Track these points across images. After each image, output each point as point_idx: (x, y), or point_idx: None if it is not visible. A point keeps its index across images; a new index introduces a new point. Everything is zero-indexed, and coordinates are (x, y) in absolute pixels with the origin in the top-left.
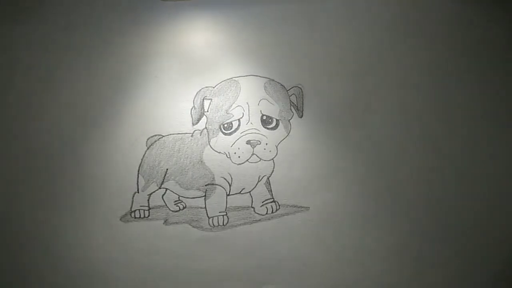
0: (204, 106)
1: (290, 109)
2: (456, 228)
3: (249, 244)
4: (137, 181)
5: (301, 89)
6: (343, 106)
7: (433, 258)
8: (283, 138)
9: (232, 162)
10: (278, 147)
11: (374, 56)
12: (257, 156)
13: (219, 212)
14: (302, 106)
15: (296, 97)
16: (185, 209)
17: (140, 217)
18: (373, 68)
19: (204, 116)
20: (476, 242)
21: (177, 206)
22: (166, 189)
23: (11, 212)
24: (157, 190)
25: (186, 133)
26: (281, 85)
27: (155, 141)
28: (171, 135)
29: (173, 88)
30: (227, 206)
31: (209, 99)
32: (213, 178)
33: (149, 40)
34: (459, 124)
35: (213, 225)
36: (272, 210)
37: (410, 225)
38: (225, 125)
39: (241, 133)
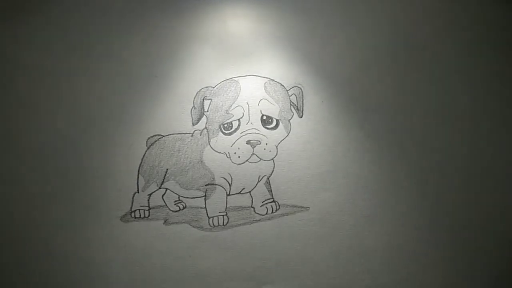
0: (204, 106)
1: (290, 109)
2: (456, 228)
3: (249, 244)
4: (137, 181)
5: (301, 89)
6: (343, 106)
7: (433, 258)
8: (283, 138)
9: (232, 162)
10: (278, 147)
11: (373, 56)
12: (257, 156)
13: (219, 212)
14: (302, 106)
15: (296, 97)
16: (185, 209)
17: (140, 217)
18: (372, 68)
19: (204, 116)
20: (476, 242)
21: (177, 206)
22: (166, 189)
23: (11, 212)
24: (157, 190)
25: (186, 133)
26: (281, 85)
27: (155, 141)
28: (171, 135)
29: (173, 88)
30: (227, 206)
31: (209, 99)
32: (213, 178)
33: (149, 40)
34: (460, 123)
35: (213, 225)
36: (272, 210)
37: (410, 225)
38: (225, 125)
39: (241, 133)
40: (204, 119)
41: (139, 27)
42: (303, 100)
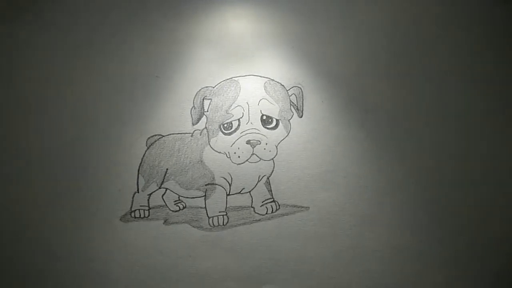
0: (204, 106)
1: (290, 109)
2: (456, 228)
3: (249, 244)
4: (137, 181)
5: (301, 89)
6: (343, 106)
7: (433, 258)
8: (283, 138)
9: (232, 162)
10: (278, 147)
11: (373, 56)
12: (257, 156)
13: (219, 212)
14: (302, 106)
15: (296, 97)
16: (185, 209)
17: (140, 217)
18: (372, 68)
19: (204, 116)
20: (476, 242)
21: (177, 206)
22: (166, 189)
23: (11, 212)
24: (157, 190)
25: (186, 133)
26: (281, 85)
27: (155, 141)
28: (171, 135)
29: (173, 88)
30: (227, 206)
31: (209, 99)
32: (213, 178)
33: (149, 41)
34: (459, 123)
35: (213, 225)
36: (272, 210)
37: (410, 225)
38: (225, 125)
39: (241, 133)
40: (204, 119)
41: (140, 28)
42: (303, 100)
